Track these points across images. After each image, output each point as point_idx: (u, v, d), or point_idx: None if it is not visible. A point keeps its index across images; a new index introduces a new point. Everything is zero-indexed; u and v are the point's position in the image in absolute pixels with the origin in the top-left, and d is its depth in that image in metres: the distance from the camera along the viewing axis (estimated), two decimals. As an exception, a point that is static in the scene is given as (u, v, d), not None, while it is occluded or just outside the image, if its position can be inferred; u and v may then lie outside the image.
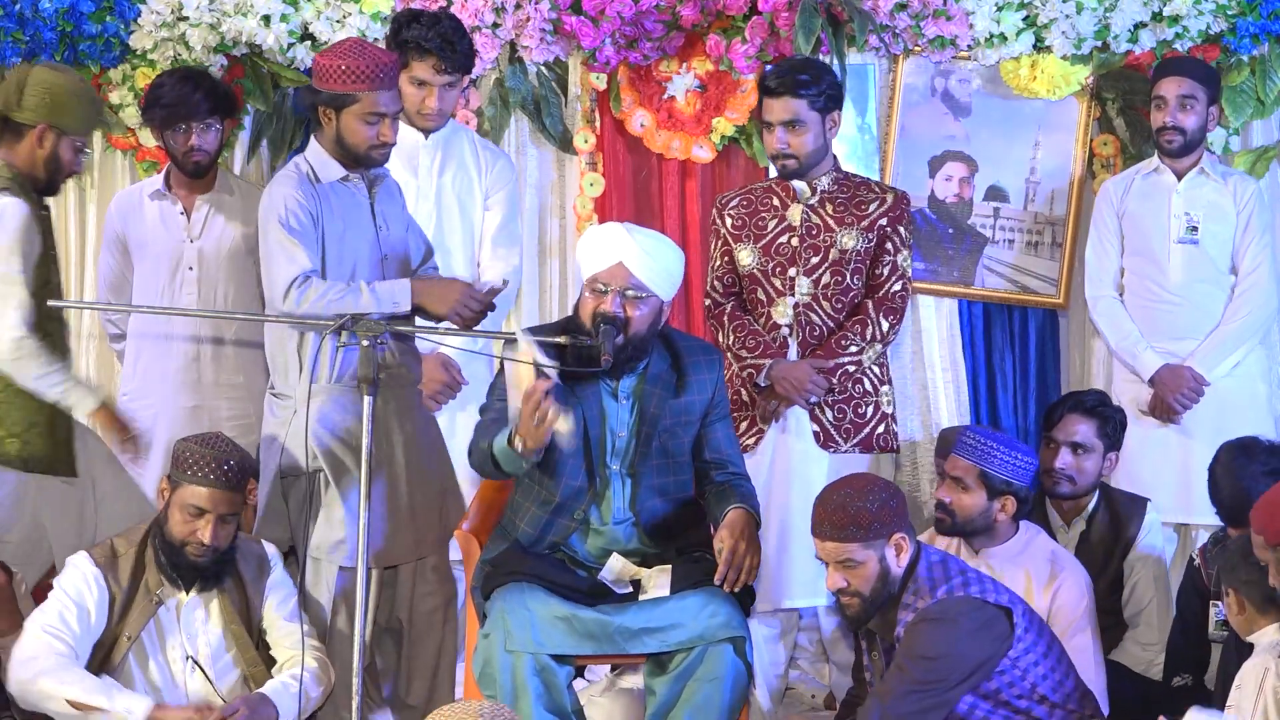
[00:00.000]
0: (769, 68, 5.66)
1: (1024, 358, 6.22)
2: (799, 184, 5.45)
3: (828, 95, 5.36)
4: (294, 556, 4.85)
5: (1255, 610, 4.32)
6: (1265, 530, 4.14)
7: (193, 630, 4.64)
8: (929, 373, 6.16)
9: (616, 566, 4.60)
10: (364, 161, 4.76)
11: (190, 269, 5.70)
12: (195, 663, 4.63)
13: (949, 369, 6.18)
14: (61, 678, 4.44)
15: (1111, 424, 5.35)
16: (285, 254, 4.63)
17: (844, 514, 4.29)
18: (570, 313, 4.71)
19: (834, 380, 5.36)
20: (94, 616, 4.55)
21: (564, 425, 4.28)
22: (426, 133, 5.56)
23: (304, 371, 4.70)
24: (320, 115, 4.73)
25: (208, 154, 5.65)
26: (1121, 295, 5.81)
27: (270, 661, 4.70)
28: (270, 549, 4.78)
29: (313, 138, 4.84)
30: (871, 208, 5.45)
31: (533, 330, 4.78)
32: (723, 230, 5.51)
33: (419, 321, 4.85)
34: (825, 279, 5.41)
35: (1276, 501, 4.16)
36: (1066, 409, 5.39)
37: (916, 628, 4.25)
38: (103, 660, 4.58)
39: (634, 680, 5.38)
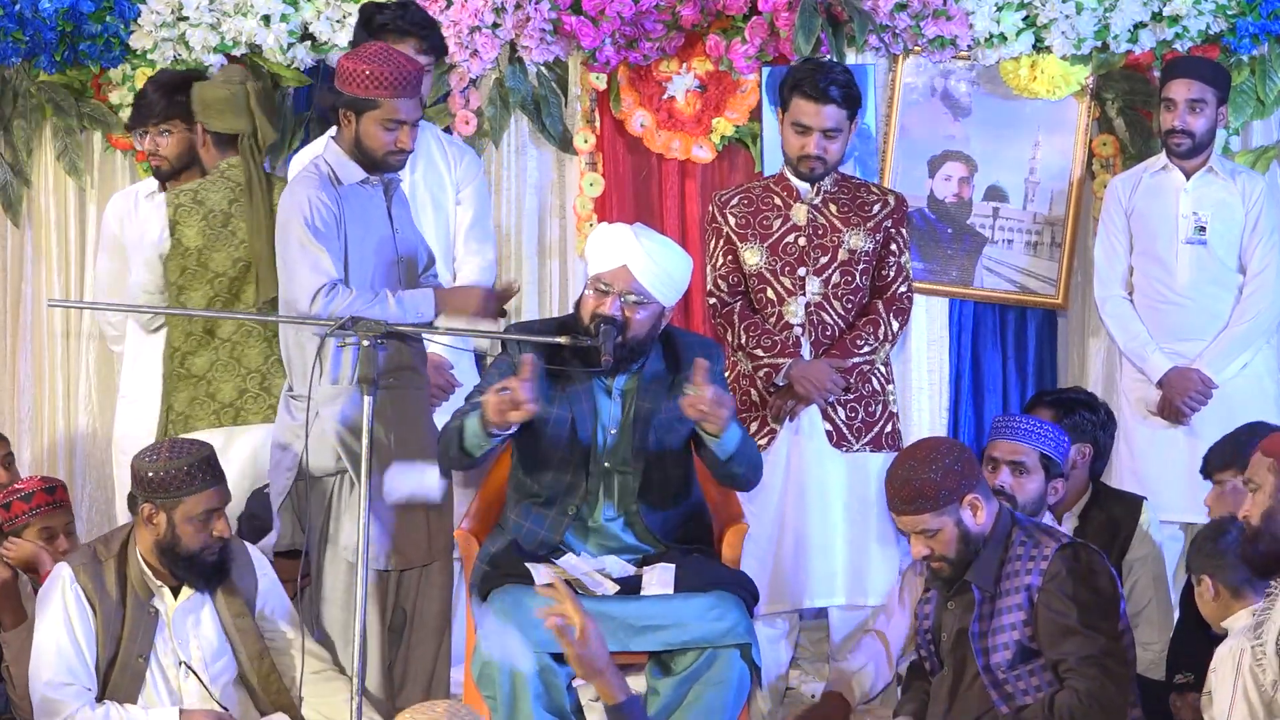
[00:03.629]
0: (779, 69, 5.63)
1: (1022, 358, 6.23)
2: (802, 184, 5.45)
3: (857, 100, 5.39)
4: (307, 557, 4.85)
5: (1229, 596, 4.36)
6: (1276, 453, 4.09)
7: (184, 636, 4.63)
8: (913, 374, 6.17)
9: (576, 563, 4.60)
10: (380, 166, 4.76)
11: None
12: (189, 668, 4.63)
13: (934, 370, 6.20)
14: None
15: (1073, 415, 5.35)
16: (309, 260, 4.61)
17: (909, 488, 4.38)
18: (571, 310, 4.71)
19: (850, 379, 5.37)
20: (85, 645, 4.55)
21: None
22: None
23: (323, 374, 4.69)
24: (340, 117, 4.73)
25: (165, 159, 5.59)
26: (1130, 295, 5.82)
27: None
28: (249, 545, 4.81)
29: (329, 140, 4.83)
30: (875, 209, 5.46)
31: (532, 327, 4.79)
32: (725, 229, 5.50)
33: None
34: (835, 279, 5.41)
35: None
36: (1033, 402, 5.50)
37: (1061, 579, 4.35)
38: (111, 675, 4.58)
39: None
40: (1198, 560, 4.44)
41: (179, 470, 4.52)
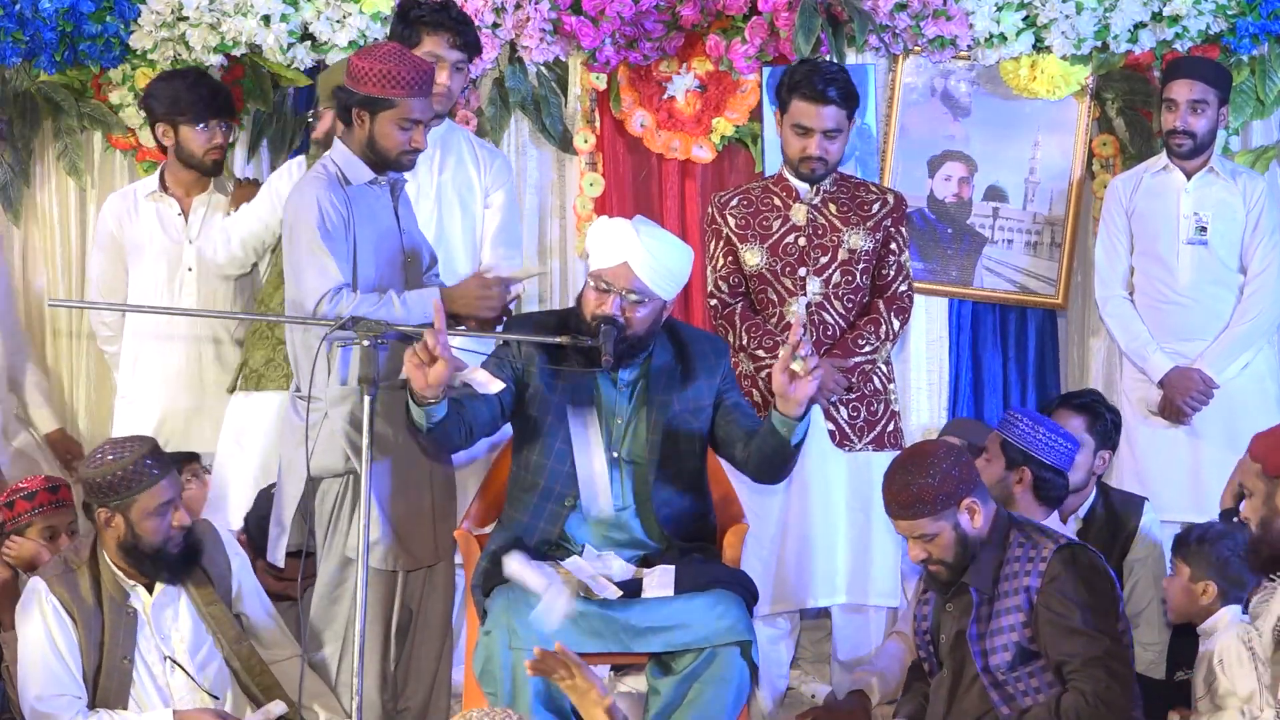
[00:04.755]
0: (779, 69, 5.61)
1: (1023, 358, 6.23)
2: (801, 184, 5.45)
3: (856, 99, 5.40)
4: (310, 558, 4.85)
5: (1221, 601, 4.55)
6: (1264, 460, 4.13)
7: (165, 630, 4.64)
8: (913, 373, 6.17)
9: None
10: (393, 166, 4.76)
11: (189, 269, 5.72)
12: (174, 662, 4.63)
13: (934, 369, 6.19)
14: None
15: (1101, 421, 5.35)
16: (317, 264, 4.62)
17: (907, 493, 4.37)
18: (574, 303, 4.71)
19: (851, 379, 5.37)
20: (69, 654, 4.56)
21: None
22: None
23: (330, 375, 4.69)
24: (354, 117, 4.72)
25: (223, 151, 5.79)
26: (1131, 295, 5.82)
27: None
28: (218, 528, 4.83)
29: (337, 139, 4.82)
30: (875, 208, 5.46)
31: (532, 319, 4.78)
32: (725, 230, 5.50)
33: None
34: (835, 278, 5.41)
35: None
36: (1057, 405, 5.44)
37: (1060, 580, 4.34)
38: (99, 680, 4.59)
39: (633, 683, 5.37)
40: (1205, 564, 4.48)
41: (125, 469, 4.53)
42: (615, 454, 4.64)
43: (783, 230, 5.44)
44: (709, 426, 4.71)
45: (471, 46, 5.41)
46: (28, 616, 4.59)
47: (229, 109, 5.78)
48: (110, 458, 4.55)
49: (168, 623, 4.64)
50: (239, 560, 4.80)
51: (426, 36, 5.28)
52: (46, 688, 4.53)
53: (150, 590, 4.64)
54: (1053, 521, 5.09)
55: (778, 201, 5.48)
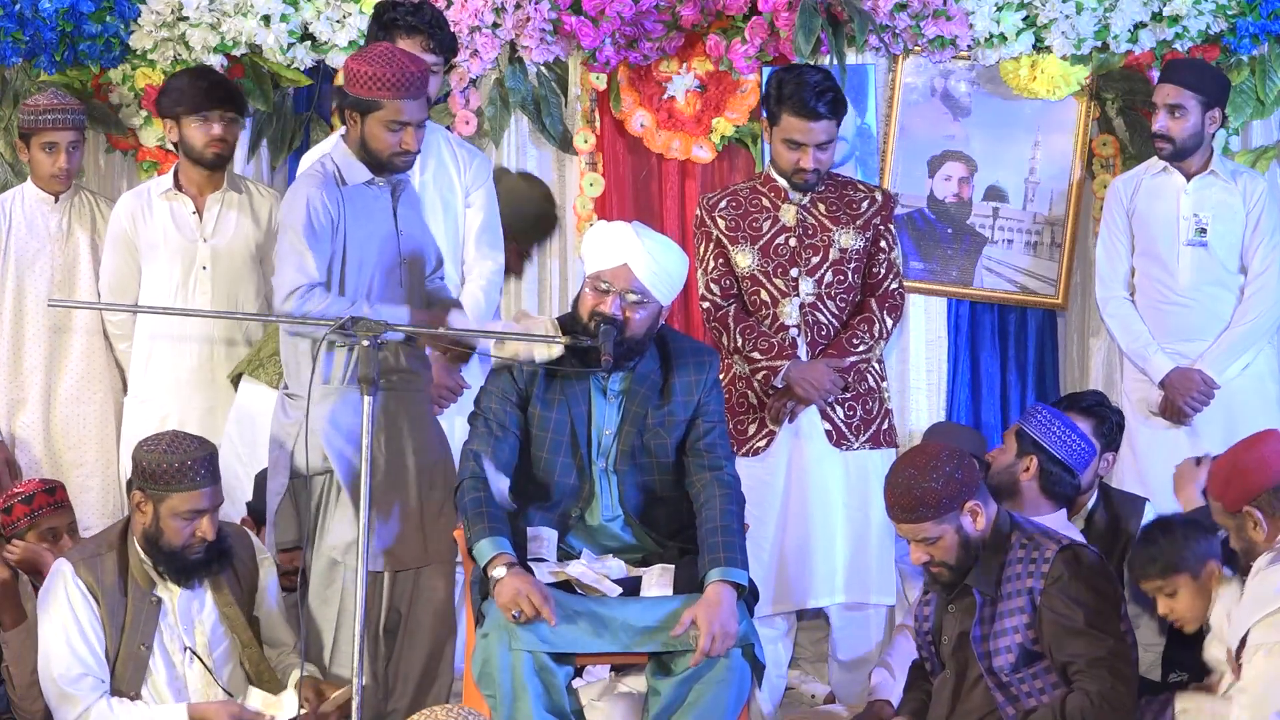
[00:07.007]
0: (776, 75, 5.58)
1: (1022, 359, 6.23)
2: (789, 183, 5.45)
3: (845, 105, 5.40)
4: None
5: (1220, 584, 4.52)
6: (1223, 497, 4.20)
7: (189, 622, 4.66)
8: (911, 374, 6.17)
9: None
10: (386, 167, 4.76)
11: (204, 268, 5.71)
12: (194, 654, 4.64)
13: (933, 369, 6.20)
14: None
15: (1108, 424, 5.36)
16: (297, 259, 4.62)
17: (910, 496, 4.37)
18: (570, 308, 4.70)
19: (847, 378, 5.37)
20: (94, 635, 4.58)
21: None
22: None
23: (316, 373, 4.69)
24: (346, 118, 4.73)
25: (229, 145, 5.74)
26: (1131, 295, 5.81)
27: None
28: (254, 537, 4.85)
29: (338, 139, 4.83)
30: (864, 206, 5.46)
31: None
32: (715, 232, 5.49)
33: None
34: (828, 278, 5.41)
35: (1230, 468, 4.23)
36: (1063, 408, 5.42)
37: (1063, 582, 4.35)
38: (115, 665, 4.60)
39: (633, 683, 5.36)
40: (1194, 563, 4.48)
41: (171, 465, 4.54)
42: (604, 465, 4.64)
43: (773, 231, 5.44)
44: (679, 443, 4.69)
45: (447, 49, 5.41)
46: (52, 598, 4.60)
47: (232, 102, 5.74)
48: (165, 448, 4.57)
49: (193, 613, 4.67)
50: (267, 565, 4.82)
51: (400, 39, 5.27)
52: (70, 667, 4.55)
53: (186, 585, 4.67)
54: (1060, 519, 5.10)
55: (766, 202, 5.47)
